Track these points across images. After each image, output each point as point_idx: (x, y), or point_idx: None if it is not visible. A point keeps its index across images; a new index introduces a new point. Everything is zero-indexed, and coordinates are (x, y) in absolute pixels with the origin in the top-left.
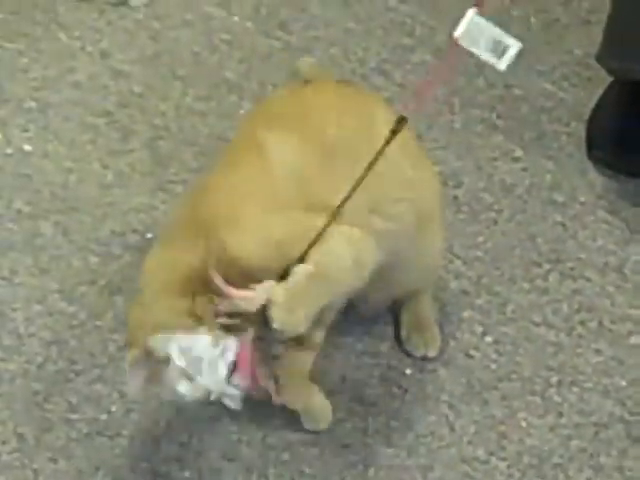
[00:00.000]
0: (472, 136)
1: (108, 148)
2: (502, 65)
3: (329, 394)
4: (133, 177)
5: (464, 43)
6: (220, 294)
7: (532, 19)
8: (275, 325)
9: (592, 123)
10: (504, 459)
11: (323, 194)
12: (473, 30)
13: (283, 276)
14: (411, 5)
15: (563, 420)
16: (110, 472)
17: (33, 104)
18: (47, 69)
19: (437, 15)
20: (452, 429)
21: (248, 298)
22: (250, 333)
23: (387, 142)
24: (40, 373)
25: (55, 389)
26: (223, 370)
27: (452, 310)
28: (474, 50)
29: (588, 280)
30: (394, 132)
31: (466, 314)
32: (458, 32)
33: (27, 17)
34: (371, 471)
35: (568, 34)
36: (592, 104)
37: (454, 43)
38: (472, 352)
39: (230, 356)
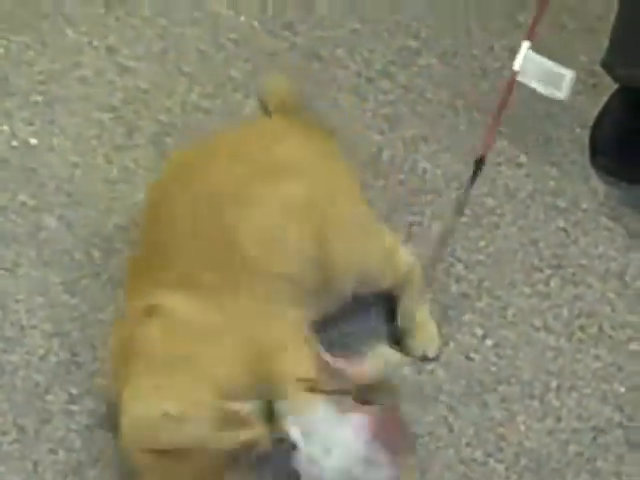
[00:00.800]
0: (476, 140)
1: (113, 143)
2: (562, 95)
3: None
4: (138, 172)
5: (523, 79)
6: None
7: (538, 25)
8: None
9: (596, 130)
10: (502, 461)
11: None
12: (529, 66)
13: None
14: (417, 8)
15: (561, 424)
16: (109, 464)
17: (39, 98)
18: (53, 63)
19: (443, 18)
20: (451, 430)
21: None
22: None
23: (472, 182)
24: (41, 365)
25: (56, 381)
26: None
27: (453, 313)
28: (533, 85)
29: (589, 286)
30: (475, 173)
31: (467, 317)
32: (516, 67)
33: (33, 10)
34: None
35: (574, 41)
36: (596, 111)
37: (513, 80)
38: (472, 354)
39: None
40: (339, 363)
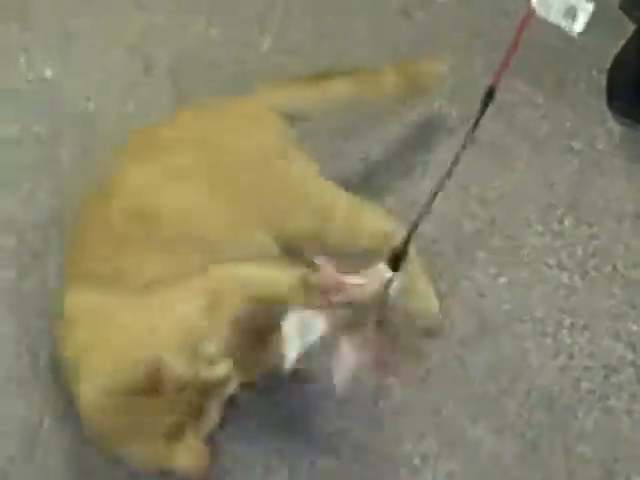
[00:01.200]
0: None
1: (130, 79)
2: (579, 28)
3: None
4: (152, 108)
5: (540, 10)
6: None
7: None
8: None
9: (613, 72)
10: (514, 398)
11: None
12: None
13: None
14: None
15: (574, 362)
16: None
17: (56, 31)
18: None
19: None
20: (463, 366)
21: (363, 285)
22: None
23: (481, 113)
24: None
25: None
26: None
27: (466, 250)
28: (551, 17)
29: (604, 226)
30: (486, 104)
31: (480, 254)
32: (534, 2)
33: None
34: (381, 403)
35: None
36: (614, 54)
37: (531, 13)
38: (485, 292)
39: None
40: (340, 276)
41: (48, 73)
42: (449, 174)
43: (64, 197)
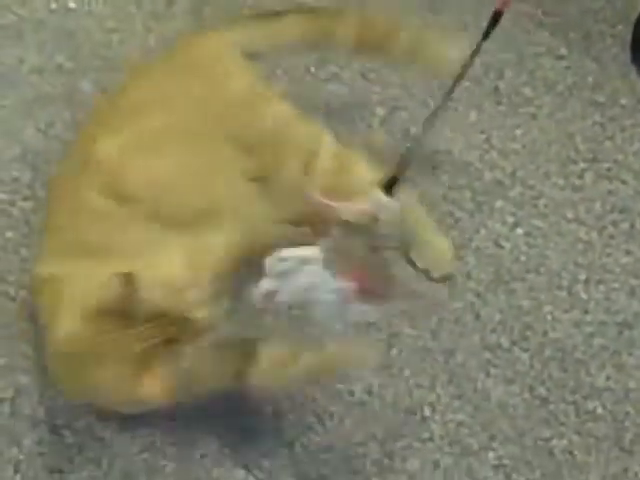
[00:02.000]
0: (517, 30)
1: (153, 12)
2: None
3: None
4: (174, 41)
5: None
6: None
7: None
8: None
9: (638, 28)
10: (526, 350)
11: None
12: None
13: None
14: None
15: (588, 317)
16: None
17: None
18: None
19: None
20: (477, 316)
21: (357, 209)
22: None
23: (485, 37)
24: None
25: None
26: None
27: (485, 199)
28: None
29: (623, 182)
30: (488, 28)
31: (499, 204)
32: None
33: None
34: (394, 351)
35: None
36: None
37: None
38: (502, 242)
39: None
40: (328, 201)
41: (72, 4)
42: (451, 91)
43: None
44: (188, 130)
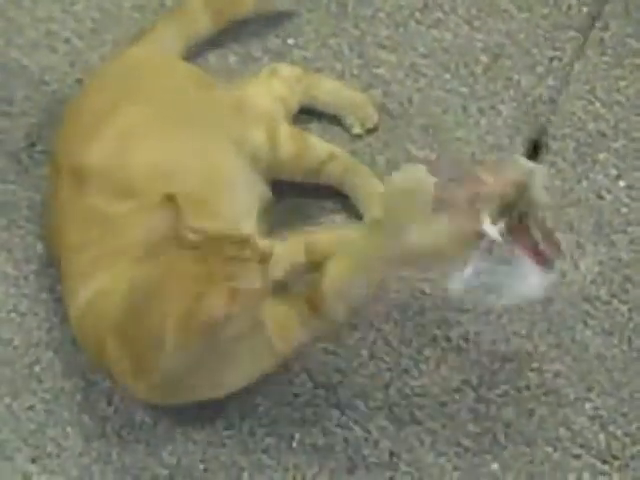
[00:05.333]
0: None
1: None
2: None
3: None
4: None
5: None
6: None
7: None
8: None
9: None
10: (626, 302)
11: None
12: None
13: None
14: None
15: None
16: None
17: None
18: None
19: None
20: (576, 267)
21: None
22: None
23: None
24: None
25: None
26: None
27: (588, 151)
28: None
29: None
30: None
31: (601, 156)
32: None
33: None
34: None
35: None
36: None
37: None
38: (604, 194)
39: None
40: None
41: None
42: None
43: None
44: (168, 119)
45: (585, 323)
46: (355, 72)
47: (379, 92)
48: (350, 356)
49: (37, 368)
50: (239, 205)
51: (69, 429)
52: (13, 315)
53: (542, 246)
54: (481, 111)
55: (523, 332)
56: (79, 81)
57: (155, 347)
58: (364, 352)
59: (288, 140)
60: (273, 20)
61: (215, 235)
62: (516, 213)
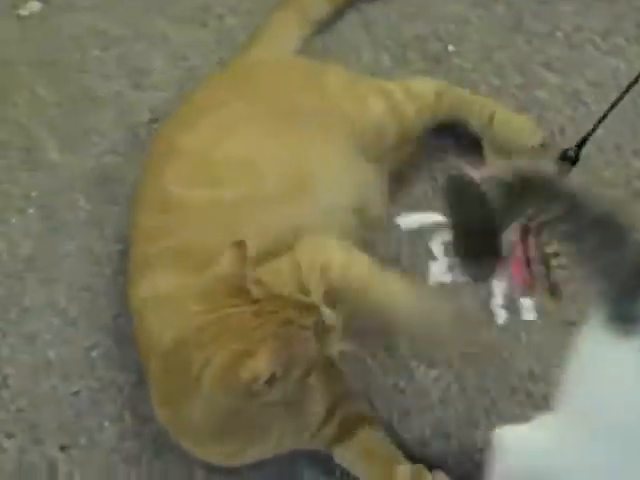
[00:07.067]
0: None
1: None
2: None
3: None
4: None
5: None
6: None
7: None
8: None
9: None
10: None
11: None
12: None
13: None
14: None
15: None
16: None
17: None
18: None
19: None
20: None
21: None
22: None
23: None
24: None
25: None
26: None
27: None
28: None
29: None
30: None
31: None
32: None
33: None
34: None
35: None
36: None
37: None
38: None
39: None
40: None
41: None
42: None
43: None
44: (272, 115)
45: None
46: (513, 91)
47: (533, 116)
48: (418, 395)
49: (94, 353)
50: (322, 210)
51: (107, 423)
52: (85, 294)
53: (533, 268)
54: (636, 153)
55: None
56: (222, 61)
57: (188, 388)
58: (435, 394)
59: (404, 99)
60: (439, 21)
61: (278, 295)
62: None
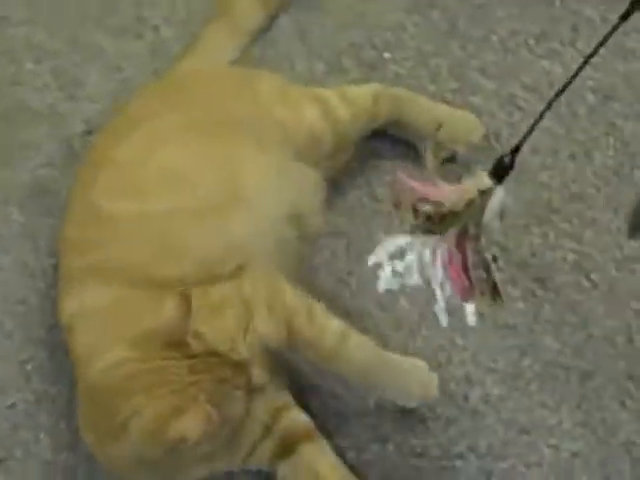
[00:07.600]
0: None
1: None
2: None
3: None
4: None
5: None
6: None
7: None
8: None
9: None
10: None
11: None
12: None
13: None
14: None
15: None
16: None
17: None
18: None
19: None
20: (629, 340)
21: (458, 192)
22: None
23: (613, 30)
24: None
25: None
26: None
27: None
28: None
29: None
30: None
31: None
32: None
33: None
34: (526, 361)
35: None
36: None
37: None
38: None
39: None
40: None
41: None
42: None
43: None
44: (206, 125)
45: (622, 404)
46: (448, 96)
47: None
48: (355, 401)
49: (29, 366)
50: (257, 219)
51: (42, 435)
52: (20, 308)
53: (471, 273)
54: (572, 156)
55: (550, 403)
56: (157, 72)
57: (114, 430)
58: (370, 402)
59: (339, 105)
60: (375, 29)
61: (215, 351)
62: (463, 226)
